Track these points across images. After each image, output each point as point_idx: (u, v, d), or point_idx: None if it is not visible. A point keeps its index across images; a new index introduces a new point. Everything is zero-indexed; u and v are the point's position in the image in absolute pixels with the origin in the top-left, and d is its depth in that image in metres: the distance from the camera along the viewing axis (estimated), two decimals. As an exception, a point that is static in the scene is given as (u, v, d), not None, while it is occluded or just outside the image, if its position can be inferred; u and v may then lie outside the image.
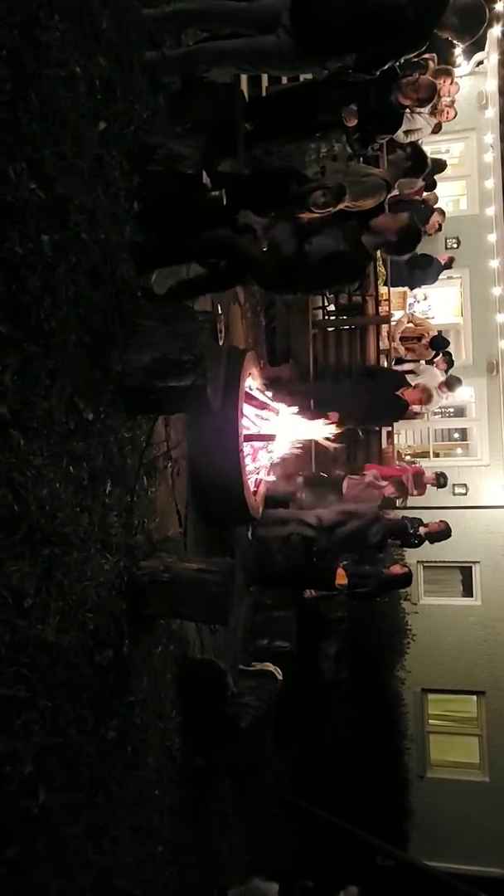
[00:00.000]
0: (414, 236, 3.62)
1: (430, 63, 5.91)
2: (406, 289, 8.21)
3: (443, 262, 7.88)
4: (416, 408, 6.27)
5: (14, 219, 1.96)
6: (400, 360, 7.66)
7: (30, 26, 2.09)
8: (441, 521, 6.41)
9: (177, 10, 3.18)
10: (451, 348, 9.40)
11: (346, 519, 5.19)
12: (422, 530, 6.27)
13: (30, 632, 1.94)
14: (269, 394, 4.62)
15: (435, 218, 7.87)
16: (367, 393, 5.98)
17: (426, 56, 5.80)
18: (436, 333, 8.02)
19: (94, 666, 2.36)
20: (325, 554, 5.29)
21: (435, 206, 7.92)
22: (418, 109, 6.32)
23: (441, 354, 7.93)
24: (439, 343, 7.75)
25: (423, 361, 7.70)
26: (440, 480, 6.59)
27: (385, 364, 6.81)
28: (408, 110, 5.50)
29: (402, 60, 3.99)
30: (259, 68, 3.49)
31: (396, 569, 5.76)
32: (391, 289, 7.10)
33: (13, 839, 1.85)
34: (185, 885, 3.25)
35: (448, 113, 7.00)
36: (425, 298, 9.17)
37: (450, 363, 8.16)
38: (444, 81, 6.34)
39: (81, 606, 2.27)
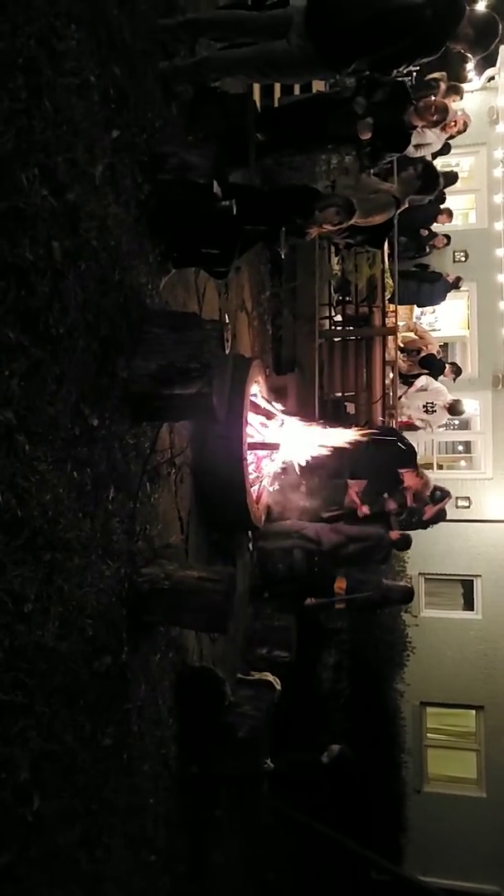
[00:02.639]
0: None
1: (441, 84, 5.97)
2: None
3: (450, 282, 7.91)
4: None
5: (26, 225, 1.97)
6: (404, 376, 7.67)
7: (46, 35, 2.11)
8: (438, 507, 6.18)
9: (190, 20, 3.21)
10: (457, 360, 9.43)
11: (347, 542, 5.19)
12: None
13: (29, 637, 1.94)
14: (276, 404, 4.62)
15: (443, 219, 7.86)
16: (371, 459, 5.44)
17: (436, 76, 5.86)
18: (434, 349, 8.03)
19: (93, 672, 2.35)
20: (326, 566, 5.28)
21: (442, 207, 7.92)
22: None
23: (450, 367, 7.93)
24: (427, 363, 7.76)
25: (430, 379, 7.70)
26: (434, 494, 6.44)
27: (391, 376, 6.80)
28: (418, 127, 5.55)
29: (417, 68, 4.00)
30: (270, 76, 3.51)
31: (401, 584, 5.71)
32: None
33: (6, 846, 1.84)
34: (178, 894, 3.22)
35: (457, 122, 7.04)
36: (433, 312, 9.19)
37: (458, 372, 8.17)
38: (454, 100, 6.43)
39: (81, 612, 2.27)
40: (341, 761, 4.46)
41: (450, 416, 7.69)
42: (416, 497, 5.91)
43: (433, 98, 4.79)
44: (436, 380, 7.81)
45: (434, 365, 7.83)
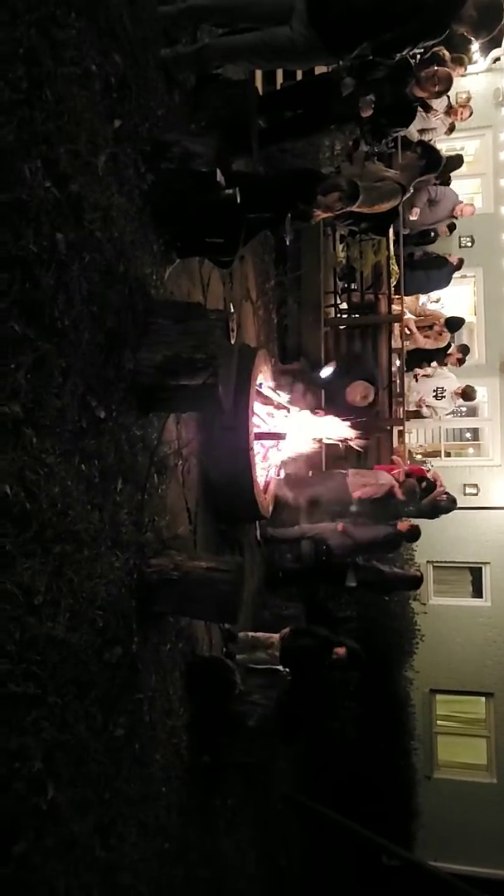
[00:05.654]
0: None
1: (445, 56, 5.86)
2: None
3: (455, 265, 7.82)
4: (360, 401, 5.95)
5: (29, 217, 1.96)
6: (413, 353, 7.54)
7: (46, 24, 2.09)
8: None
9: (191, 6, 3.18)
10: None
11: (356, 549, 5.21)
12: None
13: (40, 629, 1.95)
14: (284, 390, 4.61)
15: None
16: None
17: (447, 68, 5.74)
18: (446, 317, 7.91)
19: (103, 663, 2.36)
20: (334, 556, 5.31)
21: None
22: (434, 104, 6.31)
23: (457, 347, 7.84)
24: (453, 325, 7.65)
25: (437, 365, 7.62)
26: (420, 484, 6.32)
27: (398, 363, 6.76)
28: (422, 111, 5.46)
29: (420, 50, 3.94)
30: (272, 62, 3.48)
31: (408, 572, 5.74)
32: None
33: (22, 835, 1.86)
34: (191, 881, 3.26)
35: (462, 113, 6.98)
36: (437, 300, 9.11)
37: (465, 351, 8.09)
38: (458, 72, 6.30)
39: (91, 604, 2.28)
40: (351, 658, 4.50)
41: (462, 402, 7.59)
42: (407, 492, 5.83)
43: (435, 67, 4.68)
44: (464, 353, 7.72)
45: (459, 324, 7.74)
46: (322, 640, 4.49)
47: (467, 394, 7.37)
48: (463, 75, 6.81)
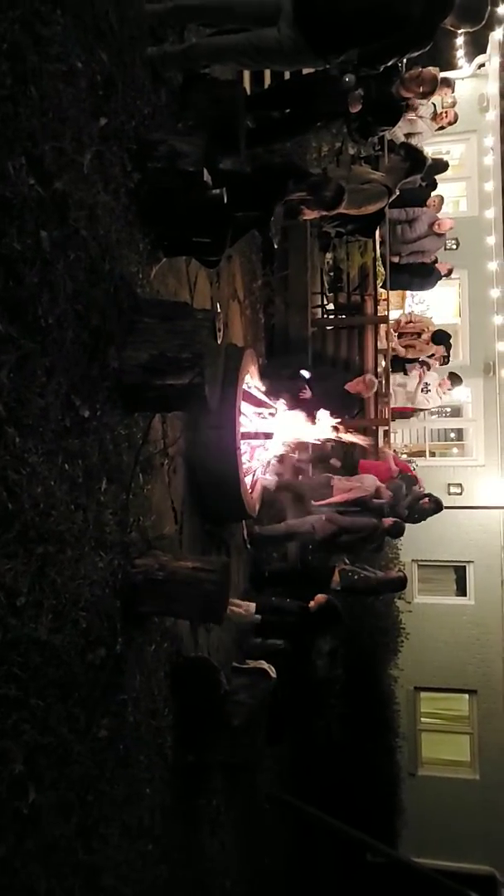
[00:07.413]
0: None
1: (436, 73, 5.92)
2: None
3: (443, 273, 7.87)
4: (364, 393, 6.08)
5: (12, 214, 1.94)
6: (397, 359, 7.63)
7: (30, 20, 2.07)
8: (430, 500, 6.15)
9: (179, 6, 3.17)
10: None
11: (340, 533, 5.23)
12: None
13: (22, 630, 1.93)
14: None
15: (432, 200, 7.76)
16: (324, 393, 5.68)
17: (432, 69, 5.81)
18: (435, 329, 7.98)
19: (87, 664, 2.35)
20: (319, 554, 5.32)
21: (434, 194, 7.83)
22: (419, 107, 6.35)
23: (443, 348, 7.90)
24: (440, 338, 7.73)
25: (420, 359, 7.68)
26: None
27: (383, 364, 6.80)
28: (410, 114, 5.50)
29: (405, 60, 3.98)
30: (259, 63, 3.47)
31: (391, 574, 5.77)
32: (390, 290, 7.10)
33: (2, 838, 1.84)
34: (175, 882, 3.25)
35: (448, 114, 7.03)
36: (422, 301, 9.16)
37: (448, 348, 8.13)
38: (446, 93, 6.41)
39: (75, 605, 2.26)
40: (328, 610, 4.53)
41: (449, 388, 7.63)
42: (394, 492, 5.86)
43: (420, 69, 4.71)
44: (448, 351, 7.78)
45: (446, 339, 7.81)
46: (299, 605, 4.50)
47: (452, 380, 7.46)
48: (448, 95, 6.92)
